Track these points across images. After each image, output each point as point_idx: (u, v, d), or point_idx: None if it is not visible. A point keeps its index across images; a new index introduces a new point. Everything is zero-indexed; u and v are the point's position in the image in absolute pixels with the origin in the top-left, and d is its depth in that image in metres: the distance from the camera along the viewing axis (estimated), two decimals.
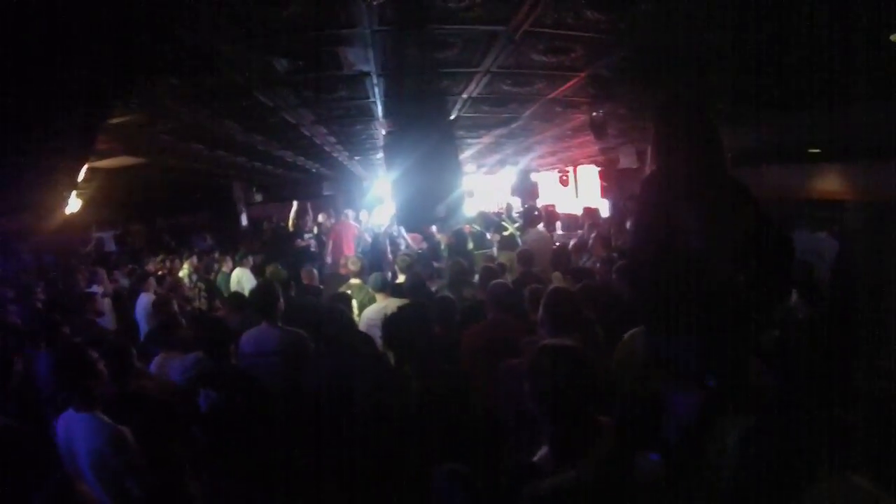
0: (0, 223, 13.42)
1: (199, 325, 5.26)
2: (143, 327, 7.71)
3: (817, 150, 8.87)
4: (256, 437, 4.14)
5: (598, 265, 7.97)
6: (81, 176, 8.76)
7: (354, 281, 7.66)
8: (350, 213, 14.96)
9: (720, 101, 6.96)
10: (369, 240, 13.88)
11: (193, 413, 4.22)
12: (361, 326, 6.26)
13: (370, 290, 7.08)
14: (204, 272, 11.90)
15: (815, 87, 5.80)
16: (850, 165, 8.56)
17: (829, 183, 9.16)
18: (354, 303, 7.12)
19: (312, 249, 13.27)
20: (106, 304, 9.12)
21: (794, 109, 7.14)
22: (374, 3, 3.24)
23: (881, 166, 7.51)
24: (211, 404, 4.17)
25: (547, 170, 19.57)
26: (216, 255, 12.90)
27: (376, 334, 5.88)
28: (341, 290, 7.48)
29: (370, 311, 6.55)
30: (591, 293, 5.58)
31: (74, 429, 3.52)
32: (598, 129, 8.18)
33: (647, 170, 3.15)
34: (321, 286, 9.12)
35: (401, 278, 8.05)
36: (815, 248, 8.74)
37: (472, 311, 5.70)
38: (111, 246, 17.67)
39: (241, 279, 10.07)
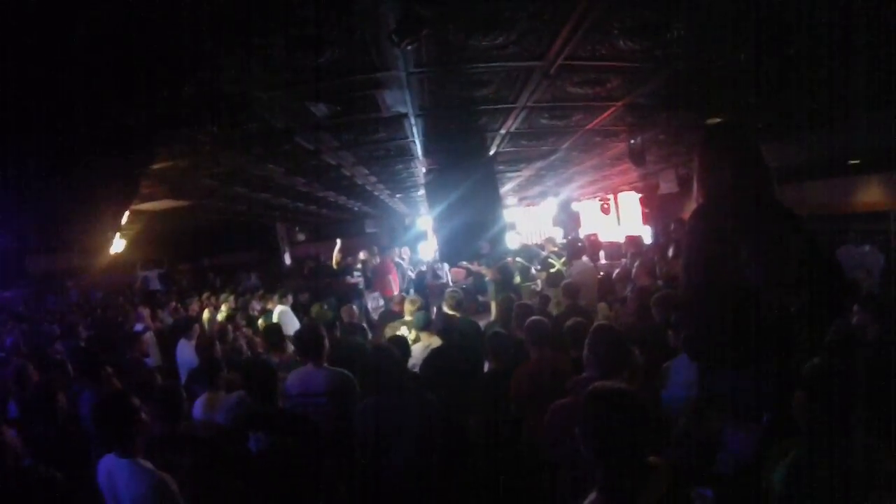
0: (48, 261, 13.85)
1: (246, 367, 5.22)
2: (183, 371, 7.72)
3: (857, 162, 8.71)
4: (307, 478, 4.12)
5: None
6: (125, 218, 8.98)
7: (408, 318, 7.62)
8: (398, 250, 15.04)
9: (759, 119, 6.87)
10: (412, 276, 13.91)
11: (243, 455, 4.21)
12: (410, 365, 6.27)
13: (415, 329, 7.04)
14: (241, 309, 11.91)
15: (851, 98, 5.69)
16: (892, 175, 8.39)
17: (872, 194, 9.00)
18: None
19: (360, 287, 13.31)
20: (150, 342, 9.21)
21: (832, 123, 7.02)
22: (407, 46, 3.25)
23: None
24: (261, 447, 4.16)
25: (588, 199, 19.49)
26: (260, 293, 12.98)
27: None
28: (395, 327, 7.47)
29: (416, 350, 6.53)
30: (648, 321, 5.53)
31: (117, 474, 3.50)
32: (636, 156, 8.12)
33: (695, 201, 3.08)
34: (364, 325, 9.13)
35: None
36: (861, 263, 8.57)
37: (524, 347, 5.64)
38: (156, 284, 17.97)
39: (280, 316, 10.10)
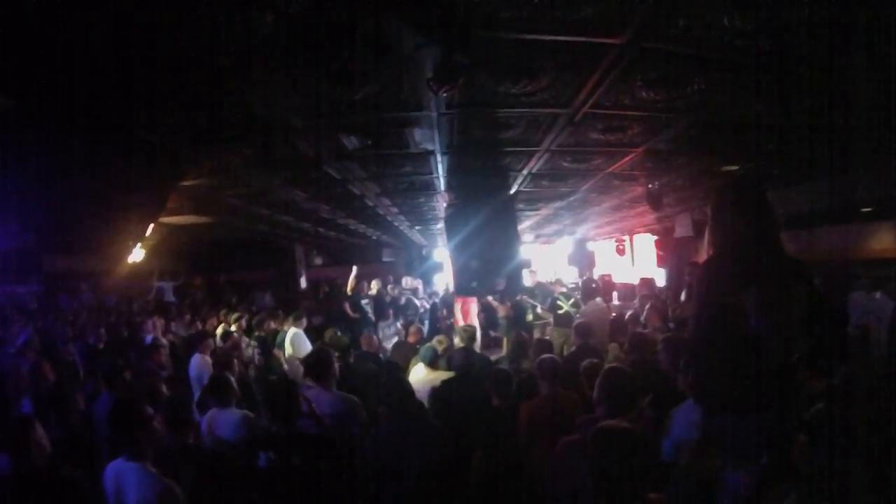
0: (64, 262, 13.97)
1: (271, 386, 5.29)
2: (196, 385, 7.75)
3: (870, 209, 8.75)
4: (309, 498, 4.20)
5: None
6: (149, 230, 9.11)
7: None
8: (411, 280, 15.08)
9: (775, 166, 6.98)
10: (427, 307, 13.96)
11: (248, 471, 4.32)
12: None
13: (420, 361, 7.11)
14: (256, 327, 11.83)
15: (866, 146, 5.77)
16: None
17: (884, 241, 9.03)
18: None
19: (369, 315, 13.36)
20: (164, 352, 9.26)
21: (845, 170, 7.10)
22: (442, 92, 3.41)
23: None
24: (269, 464, 4.26)
25: (603, 239, 19.53)
26: (280, 313, 13.04)
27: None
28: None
29: (417, 382, 6.58)
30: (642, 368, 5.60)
31: (125, 478, 3.59)
32: (654, 200, 8.25)
33: (706, 252, 3.20)
34: (381, 355, 9.20)
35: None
36: (871, 310, 8.58)
37: (530, 384, 5.73)
38: (170, 296, 18.04)
39: (293, 339, 10.16)
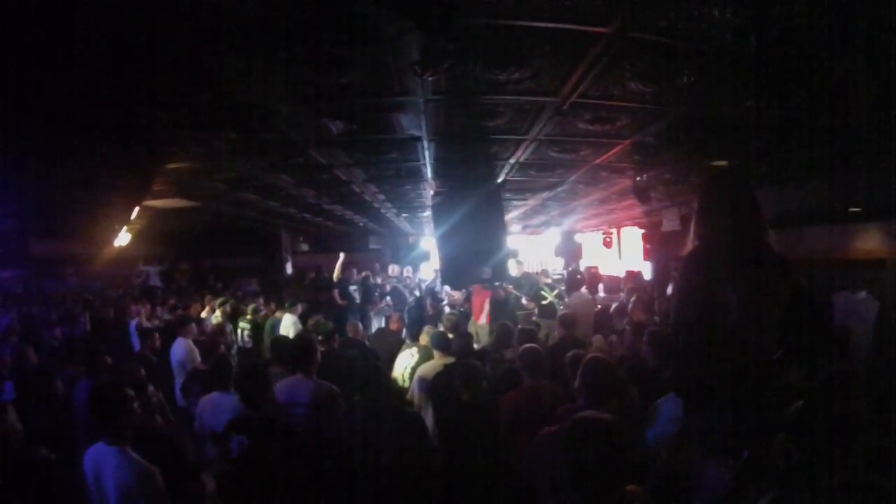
0: (51, 247, 13.92)
1: (240, 370, 5.25)
2: (177, 368, 7.69)
3: (858, 210, 8.76)
4: (283, 485, 4.18)
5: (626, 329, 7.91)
6: (135, 213, 9.04)
7: (423, 342, 7.57)
8: (401, 269, 15.02)
9: (762, 165, 6.99)
10: (416, 296, 13.90)
11: (225, 456, 4.29)
12: (414, 382, 6.43)
13: (430, 347, 7.05)
14: (232, 316, 11.72)
15: (853, 146, 5.78)
16: (891, 224, 8.46)
17: (870, 242, 9.05)
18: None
19: (357, 302, 13.33)
20: None
21: (834, 170, 7.10)
22: (427, 76, 3.38)
23: None
24: (241, 449, 4.22)
25: (591, 231, 19.53)
26: (261, 300, 12.99)
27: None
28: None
29: (426, 368, 6.55)
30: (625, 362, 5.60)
31: (104, 463, 3.57)
32: (641, 194, 8.24)
33: (690, 244, 3.18)
34: (366, 341, 9.16)
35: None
36: (855, 310, 8.61)
37: (512, 374, 5.70)
38: (156, 281, 17.99)
39: (289, 326, 10.13)
